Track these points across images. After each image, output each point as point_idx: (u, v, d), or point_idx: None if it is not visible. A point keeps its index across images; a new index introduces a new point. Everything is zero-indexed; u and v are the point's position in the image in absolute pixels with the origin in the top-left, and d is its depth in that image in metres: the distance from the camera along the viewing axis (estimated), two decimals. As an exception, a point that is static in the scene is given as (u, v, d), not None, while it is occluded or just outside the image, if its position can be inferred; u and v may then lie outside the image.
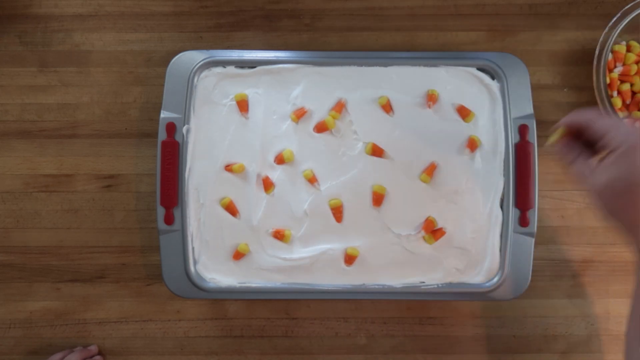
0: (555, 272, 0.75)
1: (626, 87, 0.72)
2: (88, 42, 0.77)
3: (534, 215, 0.70)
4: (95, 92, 0.76)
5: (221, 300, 0.75)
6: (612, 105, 0.70)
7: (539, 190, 0.70)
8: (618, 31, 0.70)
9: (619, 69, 0.73)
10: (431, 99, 0.71)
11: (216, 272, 0.71)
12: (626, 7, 0.70)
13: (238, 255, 0.71)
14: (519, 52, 0.75)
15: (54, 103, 0.76)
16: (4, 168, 0.76)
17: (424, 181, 0.70)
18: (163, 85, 0.71)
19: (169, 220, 0.70)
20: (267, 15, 0.77)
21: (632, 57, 0.73)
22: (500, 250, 0.70)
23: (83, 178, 0.76)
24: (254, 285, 0.71)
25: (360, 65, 0.72)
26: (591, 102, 0.74)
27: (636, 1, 0.70)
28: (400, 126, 0.71)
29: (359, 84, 0.71)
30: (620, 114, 0.72)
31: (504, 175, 0.70)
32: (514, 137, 0.70)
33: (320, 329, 0.75)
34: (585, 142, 0.56)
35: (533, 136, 0.70)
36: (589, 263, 0.75)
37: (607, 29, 0.71)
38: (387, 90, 0.71)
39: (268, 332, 0.76)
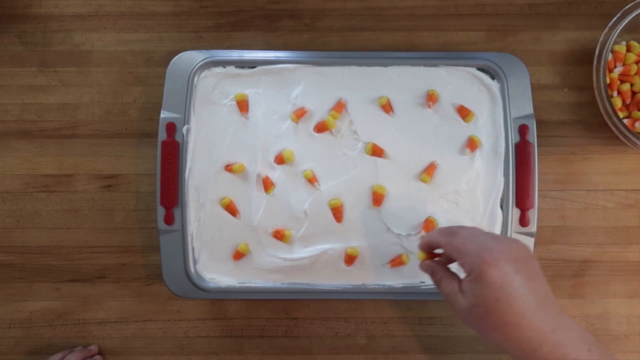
0: (555, 272, 0.75)
1: (626, 87, 0.72)
2: (88, 42, 0.77)
3: (534, 215, 0.70)
4: (95, 92, 0.76)
5: (221, 300, 0.75)
6: (612, 105, 0.70)
7: (539, 190, 0.70)
8: (618, 31, 0.70)
9: (619, 69, 0.73)
10: (431, 99, 0.71)
11: (216, 272, 0.71)
12: (626, 7, 0.70)
13: (238, 255, 0.71)
14: (519, 52, 0.75)
15: (54, 103, 0.76)
16: (4, 168, 0.76)
17: (424, 181, 0.70)
18: (163, 85, 0.71)
19: (169, 220, 0.70)
20: (267, 15, 0.77)
21: (632, 57, 0.73)
22: None
23: (83, 178, 0.76)
24: (254, 285, 0.71)
25: (360, 65, 0.71)
26: (591, 102, 0.74)
27: (636, 1, 0.70)
28: (400, 126, 0.71)
29: (359, 84, 0.71)
30: (620, 114, 0.72)
31: (504, 175, 0.70)
32: (514, 137, 0.70)
33: (320, 329, 0.75)
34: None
35: (533, 136, 0.70)
36: (589, 263, 0.75)
37: (607, 29, 0.71)
38: (387, 90, 0.71)
39: (268, 332, 0.76)
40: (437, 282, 0.55)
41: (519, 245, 0.51)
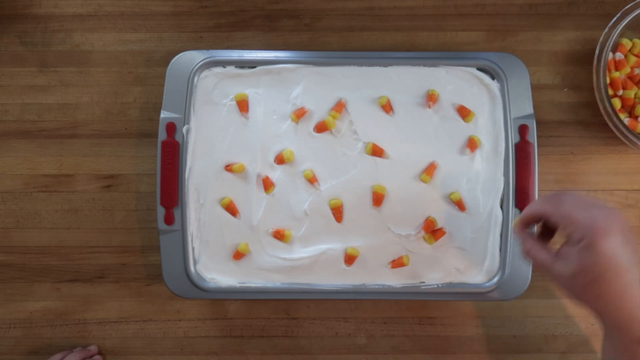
0: (555, 272, 0.75)
1: (629, 94, 0.72)
2: (88, 42, 0.77)
3: None
4: (95, 92, 0.76)
5: (221, 300, 0.75)
6: (612, 105, 0.70)
7: (539, 190, 0.70)
8: (618, 31, 0.70)
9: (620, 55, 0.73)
10: (431, 98, 0.71)
11: (216, 272, 0.71)
12: (626, 7, 0.70)
13: (238, 255, 0.71)
14: (519, 52, 0.75)
15: (54, 103, 0.76)
16: (4, 168, 0.76)
17: (424, 181, 0.70)
18: (163, 85, 0.71)
19: (169, 220, 0.70)
20: (267, 15, 0.77)
21: (633, 59, 0.73)
22: (501, 250, 0.70)
23: (83, 178, 0.76)
24: (254, 285, 0.71)
25: (360, 65, 0.71)
26: (591, 102, 0.74)
27: (636, 1, 0.70)
28: (400, 126, 0.71)
29: (359, 84, 0.71)
30: (621, 115, 0.72)
31: (504, 175, 0.70)
32: (514, 137, 0.70)
33: (320, 329, 0.75)
34: (544, 226, 0.58)
35: (533, 136, 0.70)
36: (589, 263, 0.75)
37: (607, 29, 0.71)
38: (387, 90, 0.71)
39: (268, 332, 0.76)
40: (527, 250, 0.56)
41: (623, 218, 0.51)
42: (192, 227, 0.71)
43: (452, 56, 0.72)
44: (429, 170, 0.70)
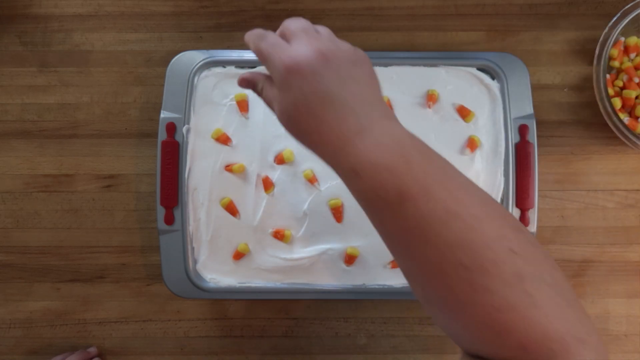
0: (555, 272, 0.75)
1: (629, 94, 0.72)
2: (88, 42, 0.77)
3: (534, 215, 0.70)
4: (95, 92, 0.76)
5: (221, 300, 0.75)
6: (612, 105, 0.70)
7: (539, 190, 0.70)
8: (618, 31, 0.70)
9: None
10: (431, 98, 0.71)
11: (216, 272, 0.71)
12: (626, 7, 0.70)
13: (238, 255, 0.71)
14: (519, 52, 0.75)
15: (54, 103, 0.76)
16: (4, 168, 0.76)
17: None
18: (163, 85, 0.71)
19: (169, 220, 0.70)
20: (267, 15, 0.77)
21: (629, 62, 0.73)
22: None
23: (83, 178, 0.76)
24: (254, 285, 0.71)
25: None
26: (591, 102, 0.74)
27: (636, 1, 0.70)
28: None
29: None
30: (621, 115, 0.72)
31: (504, 175, 0.70)
32: (514, 137, 0.70)
33: (320, 329, 0.75)
34: None
35: (533, 136, 0.70)
36: (589, 263, 0.75)
37: (607, 29, 0.71)
38: (387, 90, 0.71)
39: (268, 332, 0.76)
40: (259, 93, 0.50)
41: (344, 48, 0.45)
42: (192, 227, 0.71)
43: (452, 56, 0.72)
44: (429, 170, 0.70)
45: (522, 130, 0.70)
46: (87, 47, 0.77)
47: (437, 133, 0.71)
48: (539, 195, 0.70)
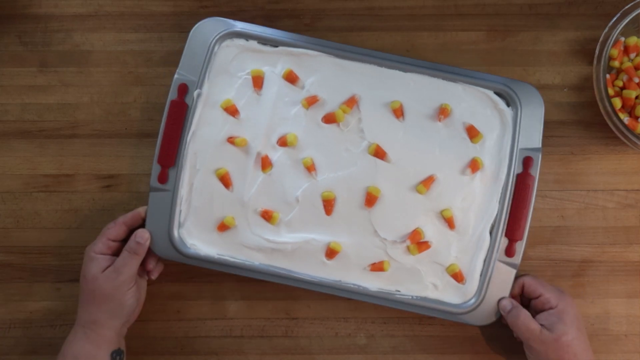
0: (555, 272, 0.75)
1: (629, 94, 0.72)
2: (88, 42, 0.77)
3: (521, 248, 0.69)
4: (95, 92, 0.76)
5: (221, 301, 0.75)
6: (612, 105, 0.70)
7: (538, 190, 0.70)
8: (618, 31, 0.70)
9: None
10: (443, 112, 0.70)
11: (198, 239, 0.71)
12: (626, 7, 0.70)
13: (223, 227, 0.70)
14: (519, 52, 0.75)
15: (54, 103, 0.76)
16: (4, 168, 0.76)
17: (420, 192, 0.70)
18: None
19: (162, 179, 0.70)
20: (267, 15, 0.77)
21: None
22: (481, 275, 0.70)
23: (83, 178, 0.76)
24: (231, 259, 0.70)
25: (380, 66, 0.71)
26: (591, 102, 0.74)
27: (636, 1, 0.70)
28: (407, 133, 0.71)
29: (375, 83, 0.71)
30: (621, 115, 0.72)
31: (500, 202, 0.70)
32: (517, 167, 0.70)
33: (320, 329, 0.75)
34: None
35: (536, 170, 0.69)
36: (589, 263, 0.75)
37: (607, 29, 0.71)
38: (402, 95, 0.71)
39: (268, 332, 0.76)
40: (521, 319, 0.66)
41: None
42: (184, 191, 0.70)
43: (472, 75, 0.71)
44: (427, 182, 0.70)
45: (527, 162, 0.70)
46: (87, 47, 0.77)
47: (442, 148, 0.71)
48: (538, 195, 0.70)
